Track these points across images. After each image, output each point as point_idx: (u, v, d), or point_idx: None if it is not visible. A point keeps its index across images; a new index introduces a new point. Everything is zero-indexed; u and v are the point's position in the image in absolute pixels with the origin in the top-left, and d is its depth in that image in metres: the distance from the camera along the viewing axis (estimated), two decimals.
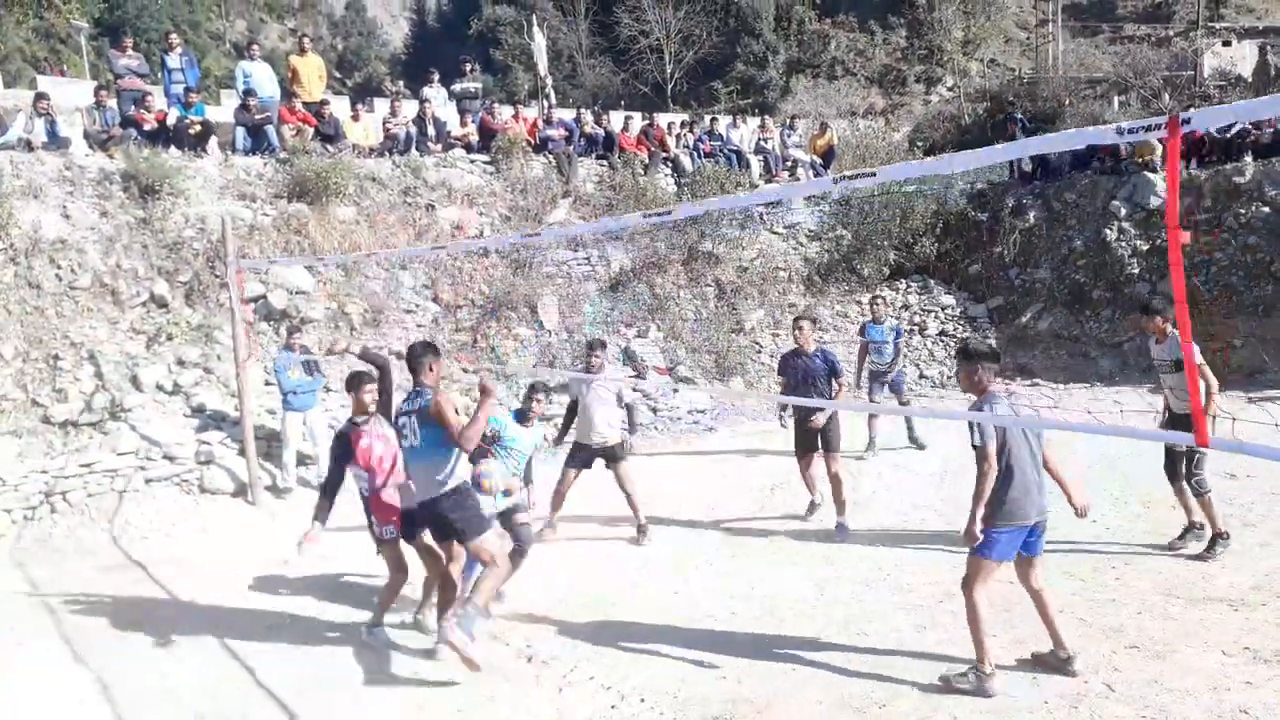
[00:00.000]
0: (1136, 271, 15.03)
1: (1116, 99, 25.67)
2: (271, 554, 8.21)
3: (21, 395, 9.96)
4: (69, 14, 22.34)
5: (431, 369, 5.58)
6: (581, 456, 8.17)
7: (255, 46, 15.88)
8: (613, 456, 8.11)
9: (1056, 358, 15.13)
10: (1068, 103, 25.03)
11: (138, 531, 8.99)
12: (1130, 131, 3.05)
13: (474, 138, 15.67)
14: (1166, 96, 23.59)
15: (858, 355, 11.13)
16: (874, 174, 3.77)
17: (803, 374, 8.12)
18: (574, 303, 14.10)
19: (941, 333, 15.88)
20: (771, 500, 9.24)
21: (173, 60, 14.23)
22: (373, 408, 6.08)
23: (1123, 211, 15.56)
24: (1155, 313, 6.77)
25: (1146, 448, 7.21)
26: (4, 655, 6.19)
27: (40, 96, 12.93)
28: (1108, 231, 15.52)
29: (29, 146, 11.98)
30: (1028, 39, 39.65)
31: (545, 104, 19.12)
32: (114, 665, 5.94)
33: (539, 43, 20.73)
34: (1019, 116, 19.11)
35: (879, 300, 11.42)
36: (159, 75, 15.08)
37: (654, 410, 13.00)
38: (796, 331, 8.40)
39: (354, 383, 6.13)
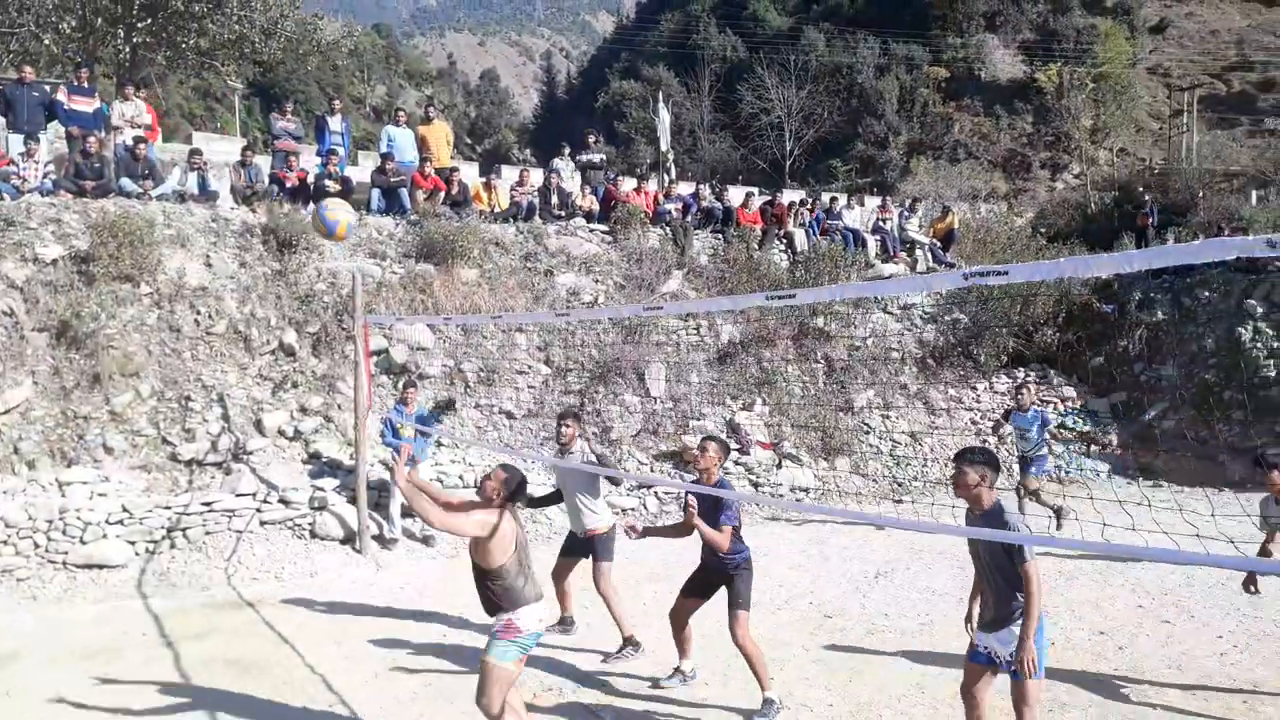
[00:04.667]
0: (1273, 374, 14.31)
1: (1255, 193, 24.73)
2: (376, 602, 8.39)
3: (153, 432, 10.48)
4: (227, 75, 23.87)
5: None
6: (571, 544, 7.36)
7: (402, 113, 16.62)
8: (592, 551, 7.10)
9: (1183, 460, 14.43)
10: (1201, 195, 24.23)
11: (249, 572, 9.30)
12: None
13: (594, 207, 16.04)
14: None
15: (995, 438, 12.32)
16: (1005, 272, 3.69)
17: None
18: (681, 372, 14.16)
19: (1060, 425, 15.37)
20: (874, 588, 9.00)
21: (334, 124, 15.04)
22: None
23: (1259, 311, 14.89)
24: (1273, 466, 6.33)
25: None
26: (124, 682, 6.45)
27: (195, 152, 13.80)
28: (1241, 331, 14.85)
29: (181, 198, 12.78)
30: (1160, 129, 38.72)
31: (665, 177, 19.46)
32: (225, 703, 6.13)
33: (663, 118, 21.22)
34: (1150, 208, 18.61)
35: (1025, 388, 11.34)
36: (310, 135, 15.91)
37: (755, 485, 12.89)
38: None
39: None
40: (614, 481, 7.15)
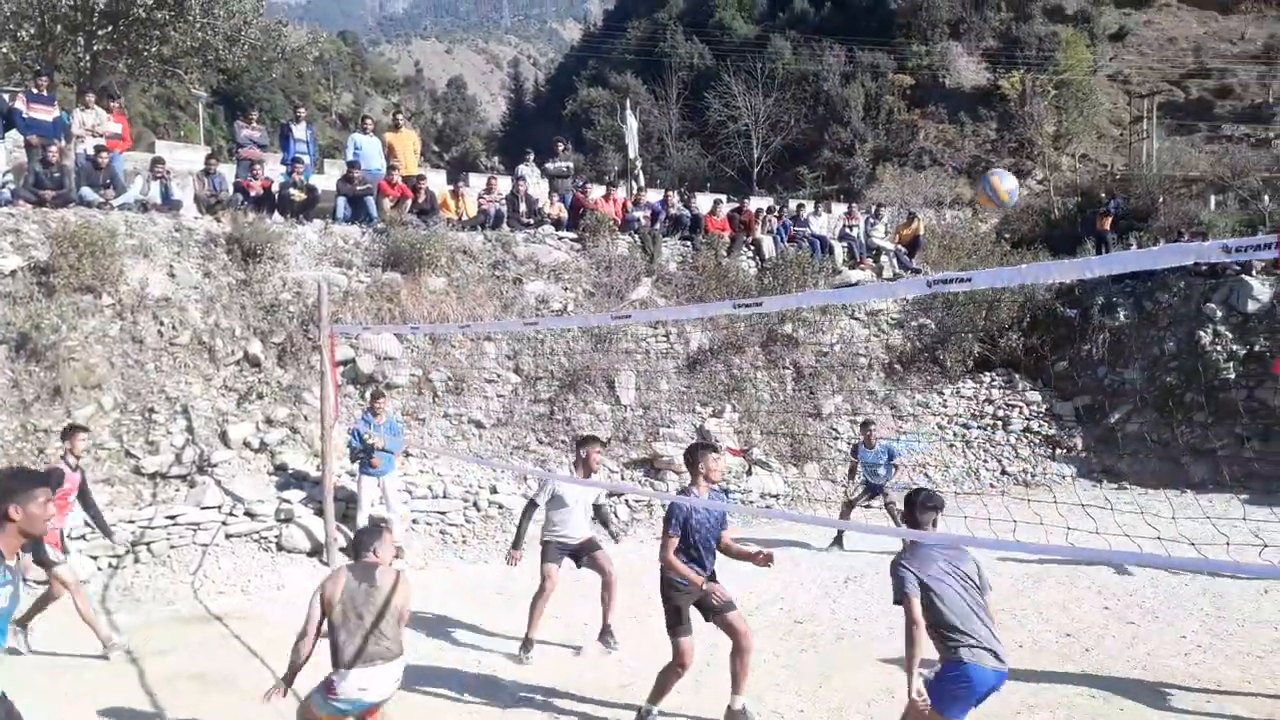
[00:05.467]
0: (1232, 377, 14.56)
1: (1213, 198, 25.15)
2: None
3: (116, 445, 10.33)
4: (190, 83, 23.64)
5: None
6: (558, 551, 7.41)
7: (369, 121, 16.53)
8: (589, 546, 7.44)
9: (1145, 462, 14.64)
10: (1161, 200, 24.61)
11: (215, 586, 9.19)
12: (1238, 250, 2.96)
13: (563, 215, 16.02)
14: (1266, 198, 23.00)
15: (847, 473, 12.36)
16: (969, 279, 3.73)
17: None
18: (651, 379, 14.17)
19: (1026, 429, 15.55)
20: (844, 593, 9.05)
21: (299, 131, 14.95)
22: None
23: (1218, 314, 15.15)
24: None
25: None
26: (88, 699, 6.34)
27: (157, 161, 13.63)
28: (1202, 334, 15.10)
29: (144, 207, 12.61)
30: (1121, 135, 39.30)
31: (634, 185, 19.49)
32: (191, 718, 6.04)
33: (631, 125, 21.24)
34: (1113, 206, 19.00)
35: (871, 425, 11.86)
36: (275, 143, 15.76)
37: (725, 493, 12.92)
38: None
39: None
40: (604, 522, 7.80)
